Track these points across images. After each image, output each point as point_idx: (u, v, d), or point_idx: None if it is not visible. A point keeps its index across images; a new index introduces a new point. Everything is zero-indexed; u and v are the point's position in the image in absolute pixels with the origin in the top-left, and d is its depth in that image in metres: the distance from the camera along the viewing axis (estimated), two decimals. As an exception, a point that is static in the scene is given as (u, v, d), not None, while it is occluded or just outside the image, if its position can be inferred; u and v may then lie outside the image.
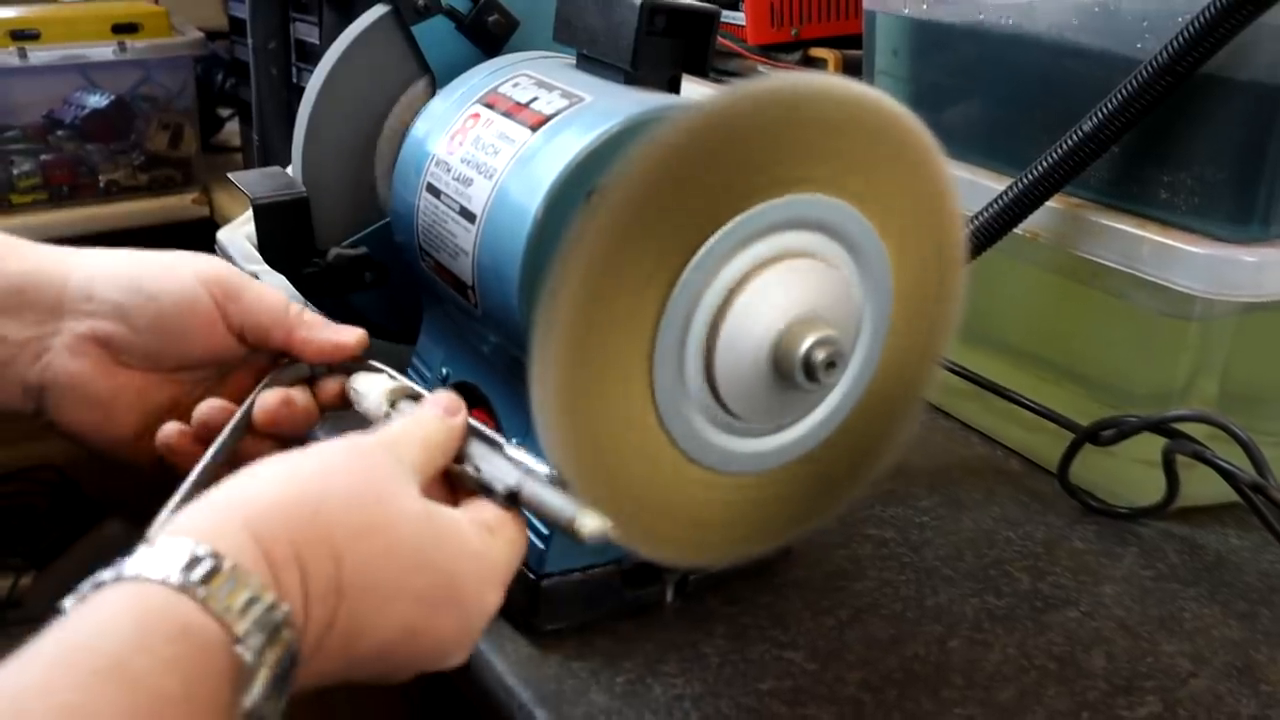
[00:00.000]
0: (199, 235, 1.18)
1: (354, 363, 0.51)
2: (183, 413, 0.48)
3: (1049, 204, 0.62)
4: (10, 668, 0.29)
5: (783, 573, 0.57)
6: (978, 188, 0.65)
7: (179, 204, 1.38)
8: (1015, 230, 0.63)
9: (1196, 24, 0.54)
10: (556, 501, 0.40)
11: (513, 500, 0.41)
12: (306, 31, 1.07)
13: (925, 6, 0.73)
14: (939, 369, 0.50)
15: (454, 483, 0.43)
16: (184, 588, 0.31)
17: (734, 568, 0.55)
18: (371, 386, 0.48)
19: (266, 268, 0.64)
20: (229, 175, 0.64)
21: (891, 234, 0.45)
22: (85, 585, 0.32)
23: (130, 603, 0.31)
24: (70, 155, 1.32)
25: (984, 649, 0.53)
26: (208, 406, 0.47)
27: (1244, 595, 0.58)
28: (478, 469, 0.42)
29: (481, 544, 0.39)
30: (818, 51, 1.03)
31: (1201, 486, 0.61)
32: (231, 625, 0.31)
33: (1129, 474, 0.63)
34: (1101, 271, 0.62)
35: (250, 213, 0.62)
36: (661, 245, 0.40)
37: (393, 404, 0.47)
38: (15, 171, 1.29)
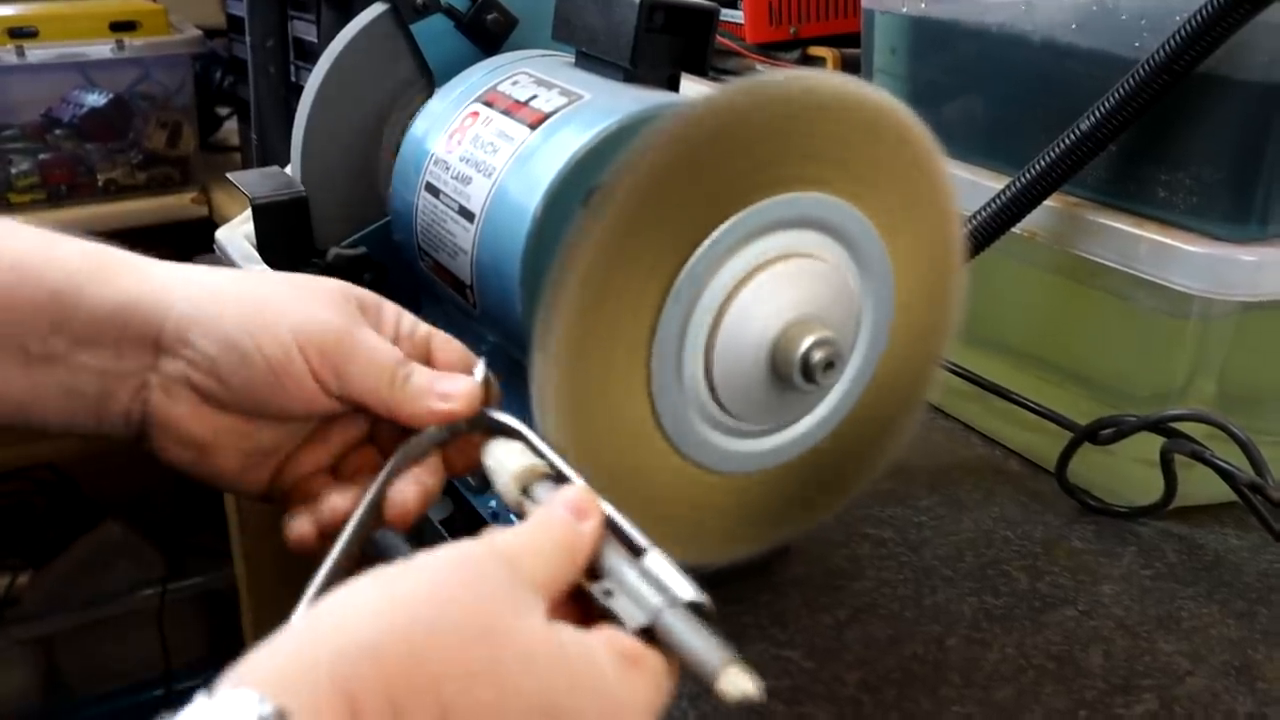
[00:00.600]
0: (198, 234, 1.18)
1: (487, 418, 0.43)
2: (288, 453, 0.44)
3: (1047, 203, 0.62)
4: None
5: (781, 572, 0.57)
6: (976, 187, 0.65)
7: (178, 203, 1.38)
8: (1013, 230, 0.63)
9: (1194, 22, 0.54)
10: (700, 647, 0.33)
11: (647, 635, 0.34)
12: (305, 30, 1.07)
13: (923, 5, 0.73)
14: (938, 369, 0.50)
15: (584, 599, 0.36)
16: None
17: (732, 567, 0.55)
18: (503, 461, 0.41)
19: (266, 267, 0.64)
20: (228, 175, 0.64)
21: (890, 233, 0.45)
22: None
23: None
24: (68, 154, 1.32)
25: (982, 648, 0.53)
26: (335, 503, 0.42)
27: (1242, 594, 0.58)
28: (607, 592, 0.35)
29: (620, 683, 0.32)
30: (816, 50, 1.03)
31: (1200, 486, 0.61)
32: None
33: (1128, 473, 0.63)
34: (1099, 271, 0.62)
35: (249, 212, 0.62)
36: (660, 244, 0.40)
37: (525, 489, 0.39)
38: (13, 171, 1.29)
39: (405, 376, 0.43)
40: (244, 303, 0.42)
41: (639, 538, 0.36)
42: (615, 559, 0.36)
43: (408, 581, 0.31)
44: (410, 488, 0.42)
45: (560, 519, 0.36)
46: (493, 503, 0.53)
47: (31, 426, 0.42)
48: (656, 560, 0.36)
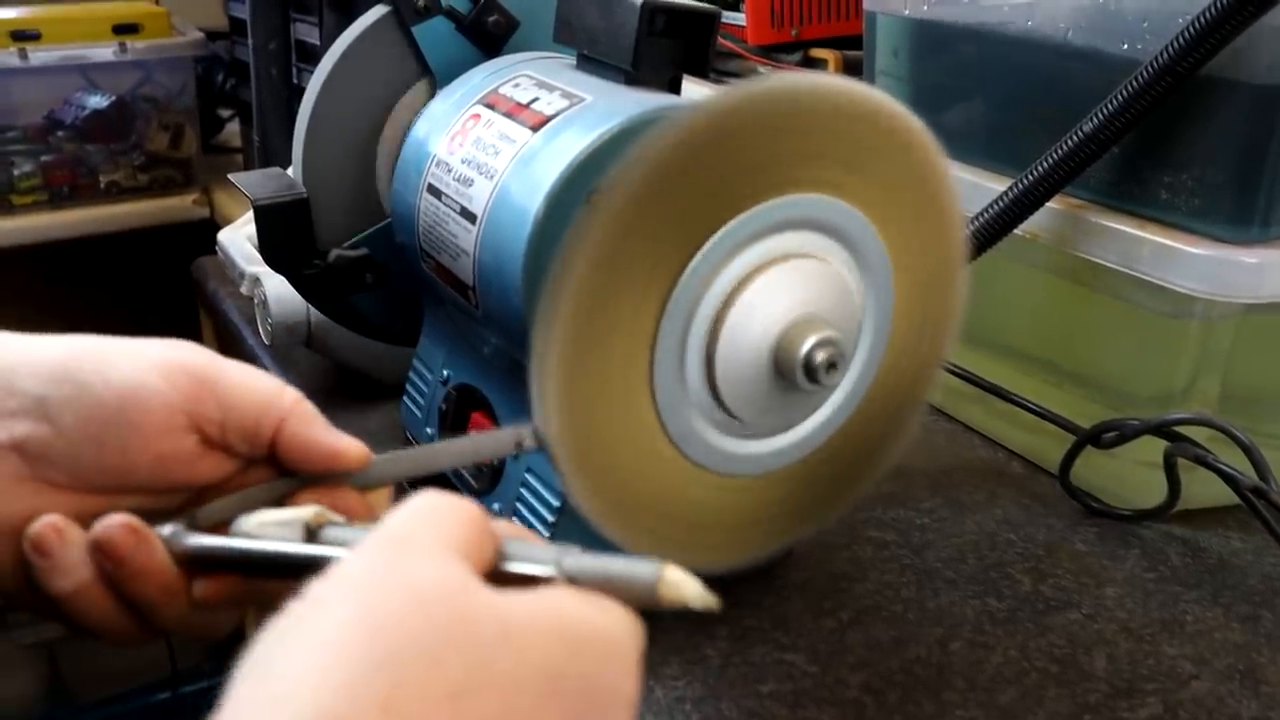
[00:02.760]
0: (200, 236, 1.18)
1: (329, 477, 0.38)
2: None
3: (1049, 205, 0.62)
4: None
5: (784, 575, 0.57)
6: (978, 188, 0.65)
7: (179, 205, 1.38)
8: (1016, 231, 0.63)
9: (1197, 25, 0.54)
10: (625, 568, 0.31)
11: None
12: (307, 32, 1.07)
13: (926, 7, 0.73)
14: (941, 371, 0.50)
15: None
16: None
17: (735, 570, 0.55)
18: (280, 513, 0.36)
19: (268, 269, 0.64)
20: (230, 176, 0.64)
21: (892, 234, 0.45)
22: None
23: None
24: (71, 156, 1.32)
25: (985, 651, 0.53)
26: (111, 524, 0.34)
27: (1246, 598, 0.58)
28: (506, 556, 0.32)
29: (600, 619, 0.29)
30: (818, 52, 1.03)
31: (1204, 489, 0.61)
32: None
33: (1131, 476, 0.63)
34: (1102, 273, 0.62)
35: (251, 214, 0.62)
36: (662, 246, 0.40)
37: (313, 532, 0.35)
38: (16, 172, 1.29)
39: (298, 399, 0.37)
40: (81, 347, 0.36)
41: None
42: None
43: (325, 622, 0.26)
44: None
45: (436, 494, 0.31)
46: (496, 505, 0.53)
47: None
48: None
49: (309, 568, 0.29)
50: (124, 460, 0.34)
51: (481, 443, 0.41)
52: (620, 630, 0.29)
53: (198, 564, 0.35)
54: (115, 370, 0.34)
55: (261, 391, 0.37)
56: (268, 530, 0.35)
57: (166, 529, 0.36)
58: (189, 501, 0.38)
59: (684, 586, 0.31)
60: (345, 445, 0.38)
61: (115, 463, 0.34)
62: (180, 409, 0.35)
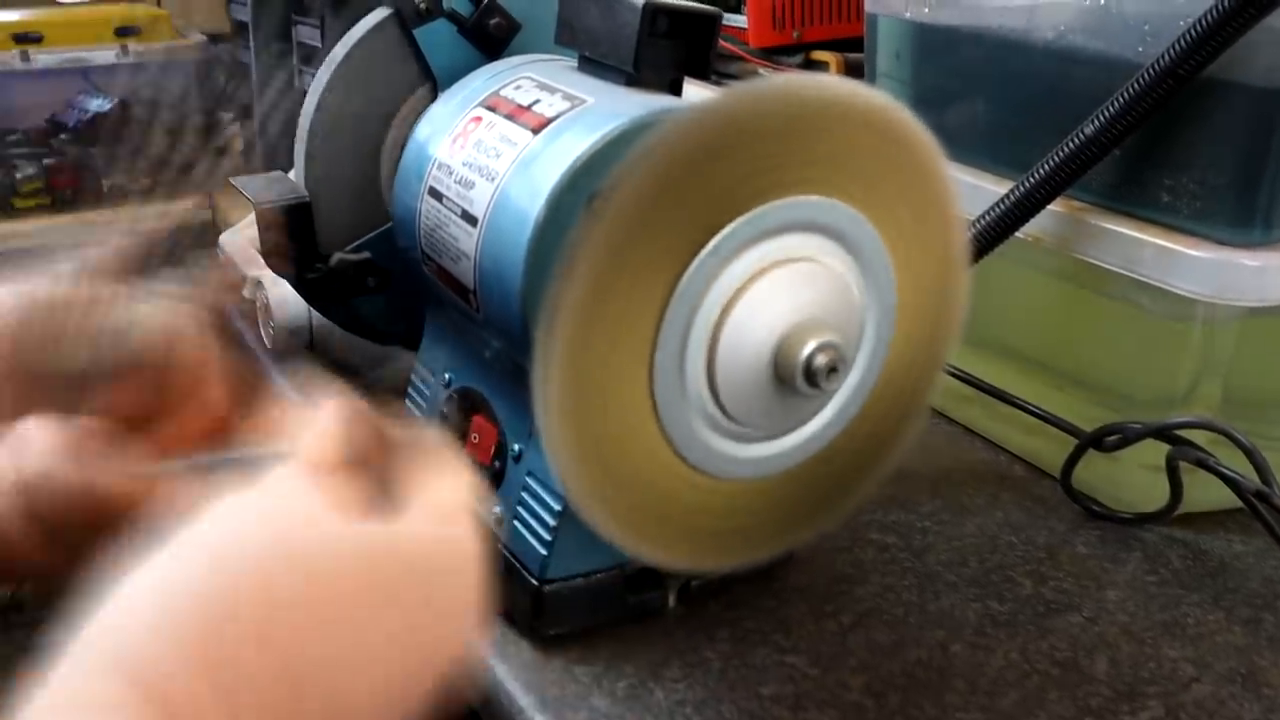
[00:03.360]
0: (201, 239, 1.18)
1: None
2: None
3: (1051, 208, 0.62)
4: None
5: (785, 578, 0.57)
6: (980, 191, 0.65)
7: (182, 207, 1.38)
8: (1017, 234, 0.63)
9: (1198, 28, 0.54)
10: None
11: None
12: (309, 35, 1.07)
13: (927, 10, 0.73)
14: (942, 374, 0.50)
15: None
16: None
17: (736, 572, 0.55)
18: None
19: (269, 272, 0.64)
20: (231, 180, 0.64)
21: (893, 238, 0.45)
22: None
23: None
24: (73, 159, 1.32)
25: (986, 654, 0.53)
26: None
27: (1247, 601, 0.58)
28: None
29: (436, 533, 0.33)
30: (819, 54, 1.03)
31: (1205, 492, 0.61)
32: None
33: (1132, 479, 0.63)
34: (1104, 275, 0.61)
35: (252, 217, 0.62)
36: (663, 248, 0.40)
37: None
38: (18, 175, 1.30)
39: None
40: None
41: None
42: None
43: (179, 545, 0.29)
44: None
45: (315, 414, 0.34)
46: (496, 508, 0.53)
47: None
48: None
49: None
50: None
51: None
52: (458, 545, 0.32)
53: None
54: None
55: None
56: None
57: None
58: None
59: None
60: None
61: None
62: None
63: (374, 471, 0.34)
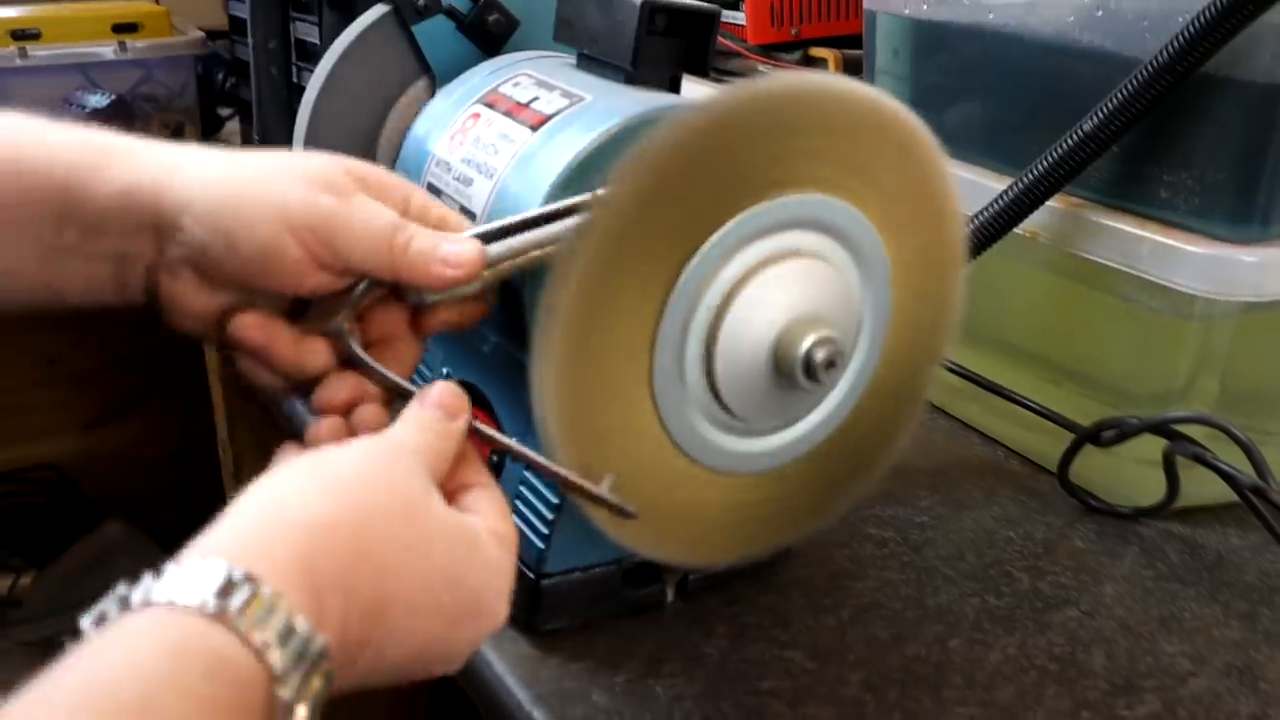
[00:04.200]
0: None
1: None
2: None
3: (1049, 204, 0.62)
4: (26, 707, 0.26)
5: (783, 572, 0.57)
6: (978, 187, 0.65)
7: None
8: (1015, 230, 0.63)
9: (1197, 23, 0.54)
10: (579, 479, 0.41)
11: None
12: (307, 31, 1.07)
13: (926, 6, 0.73)
14: (940, 369, 0.50)
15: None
16: (219, 615, 0.29)
17: (735, 567, 0.55)
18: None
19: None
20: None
21: (892, 234, 0.45)
22: (108, 604, 0.29)
23: (159, 632, 0.28)
24: (71, 155, 1.32)
25: (984, 648, 0.53)
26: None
27: (1244, 595, 0.58)
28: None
29: (497, 556, 0.39)
30: (818, 51, 1.03)
31: (1202, 486, 0.61)
32: (270, 660, 0.29)
33: (1129, 473, 0.63)
34: (1102, 271, 0.62)
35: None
36: (662, 245, 0.40)
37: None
38: (16, 171, 1.29)
39: (406, 241, 0.43)
40: (232, 187, 0.42)
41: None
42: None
43: (343, 468, 0.36)
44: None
45: (436, 418, 0.41)
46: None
47: (58, 304, 0.44)
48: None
49: None
50: (275, 287, 0.43)
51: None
52: (507, 566, 0.39)
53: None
54: (257, 229, 0.42)
55: (376, 236, 0.43)
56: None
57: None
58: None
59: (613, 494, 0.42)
60: (452, 258, 0.44)
61: (270, 286, 0.43)
62: (309, 262, 0.42)
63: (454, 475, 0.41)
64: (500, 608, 0.39)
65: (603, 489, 0.41)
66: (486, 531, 0.39)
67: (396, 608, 0.35)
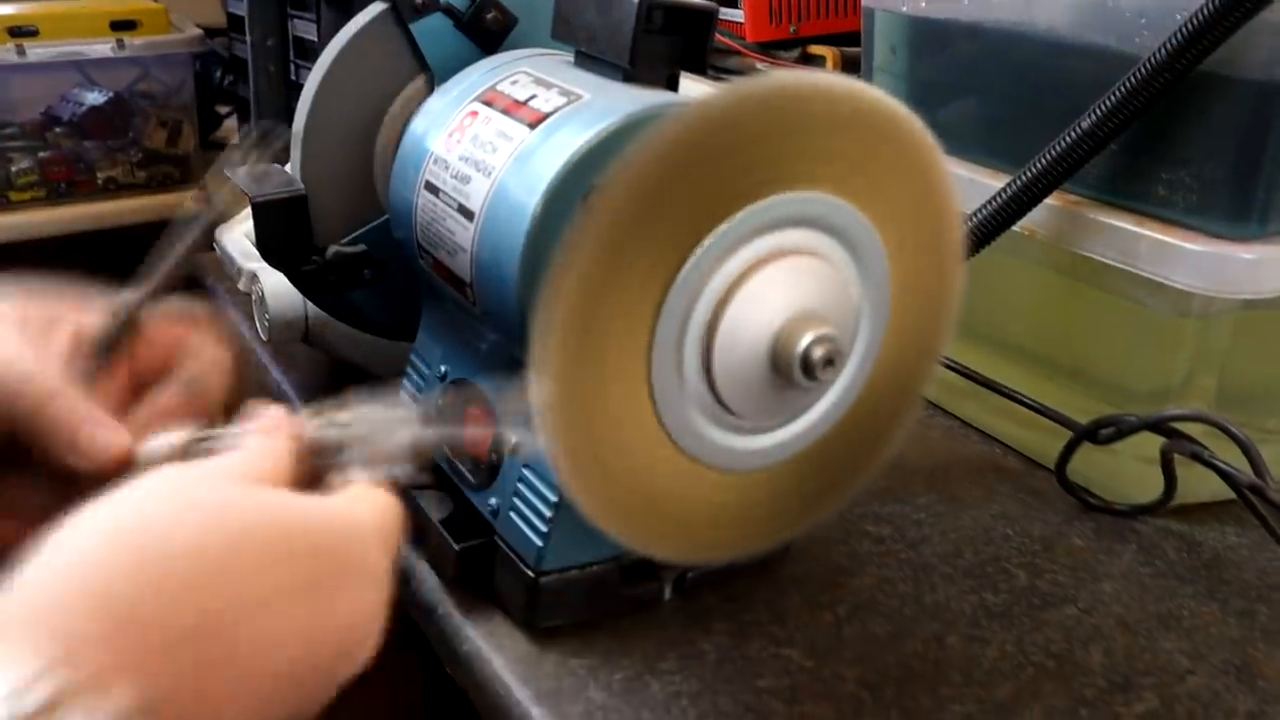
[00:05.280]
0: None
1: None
2: None
3: (1047, 201, 0.62)
4: None
5: (781, 569, 0.57)
6: (976, 185, 0.65)
7: (177, 201, 1.38)
8: (1013, 228, 0.63)
9: (1195, 21, 0.54)
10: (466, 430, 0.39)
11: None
12: (305, 29, 1.07)
13: (924, 4, 0.73)
14: (937, 366, 0.50)
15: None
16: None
17: (732, 565, 0.55)
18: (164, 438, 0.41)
19: (265, 265, 0.64)
20: (226, 172, 0.64)
21: (889, 231, 0.45)
22: None
23: None
24: (68, 152, 1.32)
25: (982, 646, 0.53)
26: None
27: (1242, 593, 0.58)
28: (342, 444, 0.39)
29: (344, 509, 0.36)
30: (816, 49, 1.03)
31: (1200, 484, 0.61)
32: None
33: (1127, 471, 0.63)
34: (1099, 269, 0.62)
35: (249, 210, 0.62)
36: (660, 242, 0.40)
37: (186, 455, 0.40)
38: (13, 169, 1.29)
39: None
40: None
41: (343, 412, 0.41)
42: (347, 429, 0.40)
43: (100, 515, 0.32)
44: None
45: (257, 425, 0.39)
46: (493, 500, 0.53)
47: None
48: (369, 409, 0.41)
49: None
50: None
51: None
52: (370, 515, 0.36)
53: None
54: None
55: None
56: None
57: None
58: None
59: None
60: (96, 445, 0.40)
61: None
62: None
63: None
64: (371, 555, 0.35)
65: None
66: (332, 498, 0.37)
67: (225, 617, 0.31)
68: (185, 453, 0.40)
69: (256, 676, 0.31)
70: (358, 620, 0.34)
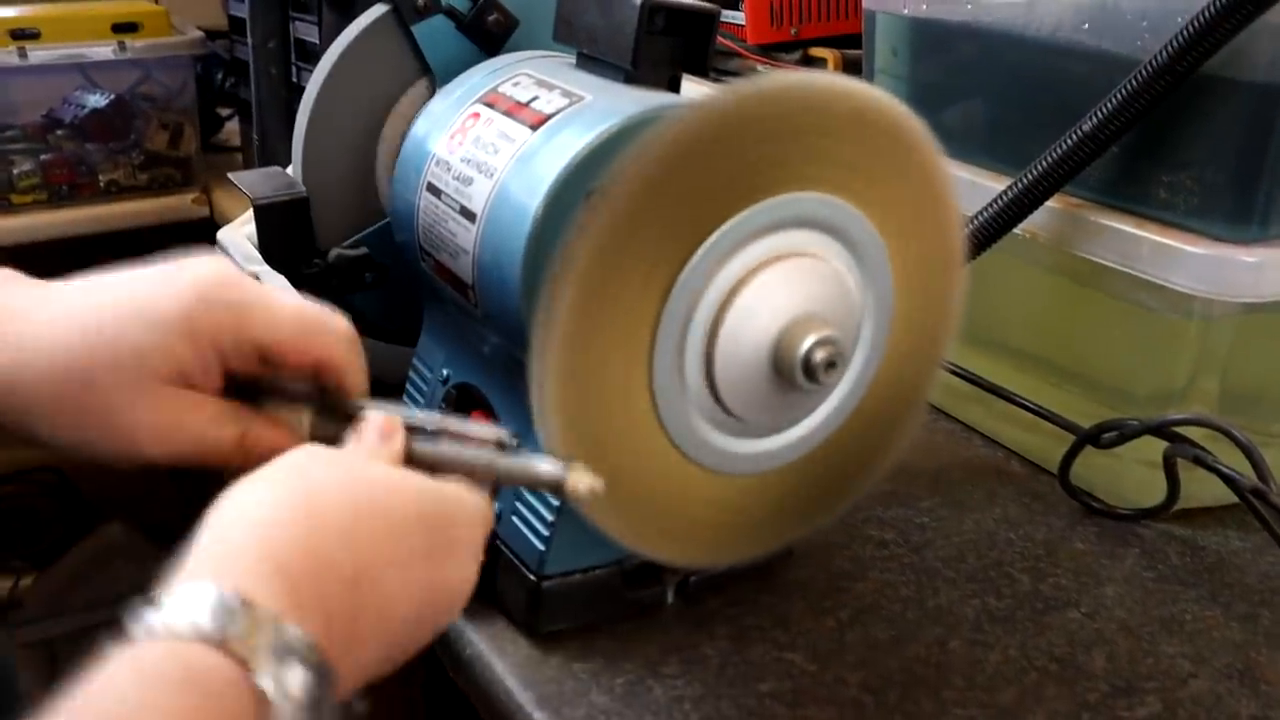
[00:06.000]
0: (199, 235, 1.18)
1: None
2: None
3: (1048, 204, 0.62)
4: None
5: (783, 574, 0.57)
6: (977, 187, 0.65)
7: (179, 203, 1.38)
8: (1015, 230, 0.63)
9: (1196, 24, 0.54)
10: (541, 467, 0.41)
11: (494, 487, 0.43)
12: (306, 31, 1.07)
13: (925, 6, 0.73)
14: (940, 370, 0.50)
15: None
16: (217, 637, 0.30)
17: (735, 569, 0.55)
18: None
19: (267, 268, 0.64)
20: (229, 175, 0.64)
21: (891, 233, 0.45)
22: (135, 626, 0.31)
23: (155, 660, 0.30)
24: (70, 155, 1.32)
25: (985, 650, 0.53)
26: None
27: (1245, 597, 0.58)
28: (438, 464, 0.42)
29: (458, 490, 0.40)
30: (817, 51, 1.03)
31: (1203, 488, 0.61)
32: (250, 663, 0.30)
33: (1130, 475, 0.63)
34: (1101, 272, 0.62)
35: (250, 212, 0.62)
36: (661, 244, 0.40)
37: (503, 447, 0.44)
38: (15, 171, 1.29)
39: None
40: (74, 375, 0.42)
41: (433, 417, 0.44)
42: (431, 444, 0.43)
43: (275, 472, 0.37)
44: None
45: (371, 442, 0.42)
46: (495, 504, 0.53)
47: None
48: (459, 423, 0.44)
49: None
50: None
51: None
52: (474, 502, 0.41)
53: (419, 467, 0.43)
54: (116, 399, 0.42)
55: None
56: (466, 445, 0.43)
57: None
58: None
59: (584, 479, 0.40)
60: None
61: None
62: (207, 372, 0.43)
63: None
64: (475, 533, 0.40)
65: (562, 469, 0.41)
66: (448, 484, 0.41)
67: (373, 569, 0.36)
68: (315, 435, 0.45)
69: (389, 620, 0.36)
70: (460, 584, 0.39)
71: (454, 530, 0.39)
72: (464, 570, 0.40)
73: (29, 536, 1.57)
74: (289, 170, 0.63)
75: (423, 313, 0.63)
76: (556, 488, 0.40)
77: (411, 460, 0.42)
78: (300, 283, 0.62)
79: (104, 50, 1.29)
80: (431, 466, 0.42)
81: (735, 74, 1.05)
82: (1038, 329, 0.71)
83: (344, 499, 0.37)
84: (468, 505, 0.40)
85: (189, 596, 0.31)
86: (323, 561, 0.34)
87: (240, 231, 0.82)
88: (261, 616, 0.31)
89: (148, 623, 0.31)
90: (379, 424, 0.42)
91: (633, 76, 0.51)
